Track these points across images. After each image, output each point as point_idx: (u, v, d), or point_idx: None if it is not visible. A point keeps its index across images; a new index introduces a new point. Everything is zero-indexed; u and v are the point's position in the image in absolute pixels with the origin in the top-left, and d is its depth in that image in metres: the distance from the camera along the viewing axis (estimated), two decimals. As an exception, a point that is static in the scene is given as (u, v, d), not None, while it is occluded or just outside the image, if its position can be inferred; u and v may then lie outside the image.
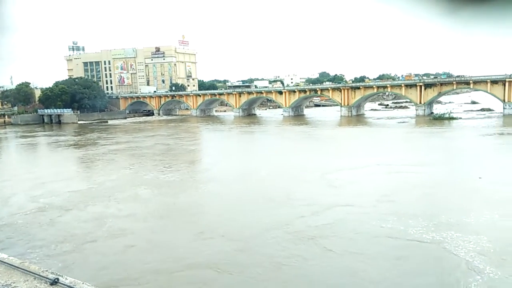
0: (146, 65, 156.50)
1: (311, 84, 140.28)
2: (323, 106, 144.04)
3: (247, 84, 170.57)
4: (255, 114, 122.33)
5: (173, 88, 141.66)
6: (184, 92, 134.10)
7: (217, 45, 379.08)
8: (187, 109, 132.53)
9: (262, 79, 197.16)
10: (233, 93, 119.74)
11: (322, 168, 37.65)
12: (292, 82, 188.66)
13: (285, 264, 18.28)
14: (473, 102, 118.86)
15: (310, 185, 31.97)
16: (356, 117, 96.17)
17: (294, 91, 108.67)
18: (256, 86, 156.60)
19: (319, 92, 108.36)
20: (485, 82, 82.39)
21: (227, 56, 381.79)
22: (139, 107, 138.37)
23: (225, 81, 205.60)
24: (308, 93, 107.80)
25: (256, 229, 22.63)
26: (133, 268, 18.28)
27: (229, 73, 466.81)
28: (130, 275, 17.66)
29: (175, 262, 18.72)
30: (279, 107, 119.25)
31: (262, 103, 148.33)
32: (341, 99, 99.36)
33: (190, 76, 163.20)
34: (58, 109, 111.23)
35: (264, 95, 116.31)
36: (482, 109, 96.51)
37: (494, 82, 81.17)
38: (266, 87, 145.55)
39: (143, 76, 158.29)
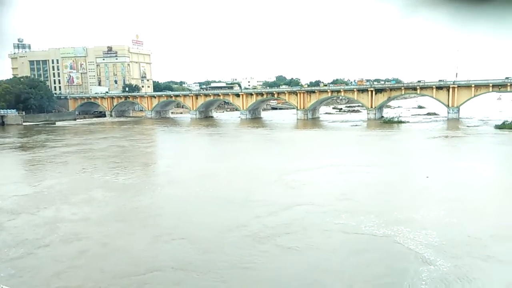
0: (97, 65, 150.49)
1: (268, 87, 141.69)
2: (280, 109, 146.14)
3: (230, 85, 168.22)
4: (212, 117, 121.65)
5: (127, 89, 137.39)
6: (138, 93, 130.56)
7: (173, 46, 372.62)
8: (142, 110, 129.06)
9: (220, 81, 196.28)
10: (189, 95, 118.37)
11: (280, 169, 38.13)
12: (249, 85, 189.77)
13: (247, 264, 18.33)
14: (420, 107, 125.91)
15: (268, 186, 32.28)
16: (311, 120, 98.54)
17: (252, 94, 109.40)
18: (237, 87, 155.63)
19: (276, 96, 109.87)
20: (431, 88, 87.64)
21: (183, 57, 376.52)
22: (89, 108, 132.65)
23: (181, 83, 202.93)
24: (265, 96, 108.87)
25: (216, 230, 22.50)
26: (89, 274, 17.47)
27: (185, 75, 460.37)
28: (86, 282, 16.88)
29: (134, 266, 18.09)
30: (236, 110, 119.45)
31: (219, 105, 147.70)
32: (297, 103, 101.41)
33: (145, 77, 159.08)
34: (2, 110, 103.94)
35: (221, 97, 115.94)
36: (428, 114, 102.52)
37: (439, 88, 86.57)
38: (222, 88, 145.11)
39: (94, 76, 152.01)
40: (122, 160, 48.01)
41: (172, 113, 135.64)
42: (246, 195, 29.60)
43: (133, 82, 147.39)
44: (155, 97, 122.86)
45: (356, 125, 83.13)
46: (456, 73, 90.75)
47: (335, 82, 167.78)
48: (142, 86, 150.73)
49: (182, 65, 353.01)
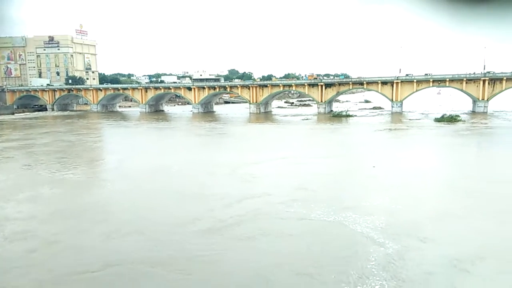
0: (37, 56, 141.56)
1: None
2: (232, 103, 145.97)
3: (216, 78, 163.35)
4: (162, 111, 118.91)
5: (70, 81, 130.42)
6: (82, 86, 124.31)
7: (120, 37, 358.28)
8: (87, 104, 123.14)
9: (170, 74, 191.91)
10: (138, 88, 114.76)
11: (234, 163, 38.26)
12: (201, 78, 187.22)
13: (204, 256, 18.25)
14: (366, 101, 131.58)
15: (222, 180, 32.33)
16: (264, 114, 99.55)
17: (204, 88, 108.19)
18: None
19: (228, 89, 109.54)
20: (376, 83, 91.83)
21: (132, 49, 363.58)
22: (29, 102, 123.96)
23: (129, 75, 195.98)
24: (217, 89, 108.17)
25: (171, 224, 22.26)
26: (34, 275, 16.55)
27: (134, 67, 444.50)
28: (30, 283, 15.97)
29: (85, 264, 17.31)
30: (188, 104, 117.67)
31: (170, 99, 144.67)
32: (250, 97, 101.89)
33: (90, 69, 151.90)
34: None
35: (172, 91, 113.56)
36: (374, 108, 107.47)
37: (384, 83, 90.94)
38: (174, 82, 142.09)
39: (34, 67, 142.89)
40: (68, 155, 45.62)
41: (119, 106, 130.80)
42: (200, 189, 29.44)
43: (77, 74, 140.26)
44: (101, 90, 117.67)
45: (307, 119, 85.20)
46: (400, 69, 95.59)
47: (286, 76, 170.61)
48: (87, 79, 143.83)
49: (130, 57, 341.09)
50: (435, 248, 18.02)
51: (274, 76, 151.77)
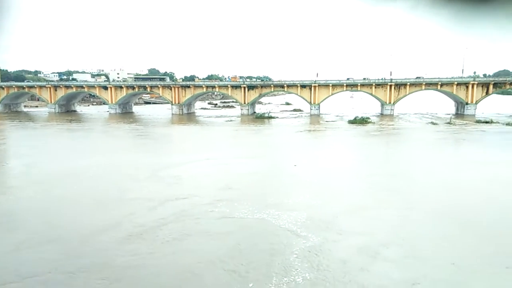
0: None
1: (140, 81, 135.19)
2: (153, 103, 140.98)
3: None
4: (75, 111, 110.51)
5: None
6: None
7: (26, 29, 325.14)
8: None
9: (84, 72, 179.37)
10: (46, 86, 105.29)
11: (156, 165, 37.07)
12: (119, 77, 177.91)
13: (128, 262, 17.54)
14: (287, 104, 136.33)
15: (144, 183, 31.14)
16: (187, 115, 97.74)
17: (121, 87, 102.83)
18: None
19: (149, 89, 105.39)
20: (296, 86, 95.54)
21: (40, 44, 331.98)
22: None
23: (36, 72, 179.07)
24: (137, 89, 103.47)
25: (88, 232, 20.88)
26: None
27: (41, 64, 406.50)
28: None
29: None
30: (104, 104, 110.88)
31: (84, 99, 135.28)
32: (172, 97, 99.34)
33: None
34: None
35: (86, 89, 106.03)
36: (294, 110, 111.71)
37: (303, 86, 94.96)
38: (86, 81, 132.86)
39: None
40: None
41: (25, 106, 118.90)
42: (120, 193, 28.04)
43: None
44: (3, 88, 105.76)
45: (231, 120, 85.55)
46: (317, 73, 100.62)
47: (210, 77, 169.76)
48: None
49: (38, 52, 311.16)
50: (349, 238, 19.85)
51: (197, 77, 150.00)
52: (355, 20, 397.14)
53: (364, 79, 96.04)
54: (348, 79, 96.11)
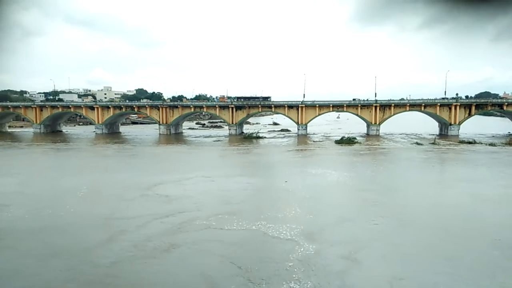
0: None
1: (127, 101, 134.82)
2: (141, 123, 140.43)
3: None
4: (61, 131, 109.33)
5: None
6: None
7: (12, 48, 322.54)
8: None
9: (70, 92, 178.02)
10: (32, 106, 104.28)
11: (146, 184, 37.02)
12: (106, 97, 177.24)
13: (122, 277, 17.40)
14: (275, 124, 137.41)
15: (134, 202, 31.02)
16: (175, 135, 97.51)
17: (108, 107, 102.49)
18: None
19: (136, 110, 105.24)
20: (283, 107, 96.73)
21: (25, 63, 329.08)
22: None
23: (22, 92, 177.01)
24: (124, 109, 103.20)
25: (80, 249, 20.82)
26: None
27: (25, 84, 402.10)
28: None
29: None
30: (90, 124, 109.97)
31: (70, 119, 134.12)
32: (160, 117, 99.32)
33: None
34: None
35: (72, 110, 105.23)
36: (282, 130, 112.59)
37: (290, 107, 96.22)
38: (73, 101, 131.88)
39: None
40: None
41: (10, 127, 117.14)
42: (110, 212, 27.83)
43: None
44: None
45: (219, 140, 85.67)
46: (304, 94, 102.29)
47: (198, 97, 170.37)
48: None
49: (23, 72, 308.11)
50: (336, 247, 21.18)
51: (185, 97, 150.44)
52: (343, 44, 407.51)
53: (354, 99, 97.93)
54: (349, 99, 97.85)
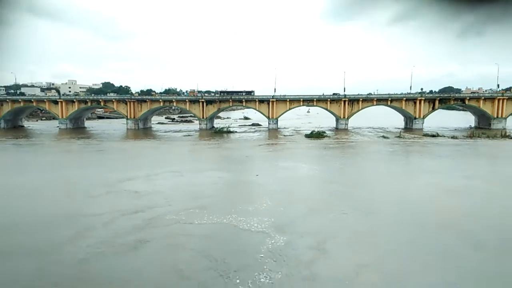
0: None
1: (93, 95, 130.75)
2: (107, 118, 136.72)
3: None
4: (22, 126, 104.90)
5: None
6: None
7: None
8: None
9: (32, 86, 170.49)
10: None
11: (113, 180, 36.04)
12: (70, 91, 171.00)
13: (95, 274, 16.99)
14: (246, 118, 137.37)
15: (101, 198, 30.23)
16: (143, 130, 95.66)
17: (73, 101, 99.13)
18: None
19: (102, 104, 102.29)
20: (254, 101, 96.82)
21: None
22: None
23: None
24: (89, 104, 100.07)
25: (44, 248, 20.02)
26: None
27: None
28: None
29: None
30: (54, 118, 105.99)
31: (32, 113, 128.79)
32: (127, 112, 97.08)
33: None
34: None
35: (34, 104, 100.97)
36: (253, 124, 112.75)
37: (261, 101, 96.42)
38: (35, 95, 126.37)
39: None
40: None
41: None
42: (76, 210, 27.02)
43: None
44: None
45: (189, 135, 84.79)
46: (275, 89, 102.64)
47: (167, 91, 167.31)
48: None
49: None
50: (305, 238, 21.50)
51: (154, 91, 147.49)
52: (317, 39, 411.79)
53: (322, 95, 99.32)
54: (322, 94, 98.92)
